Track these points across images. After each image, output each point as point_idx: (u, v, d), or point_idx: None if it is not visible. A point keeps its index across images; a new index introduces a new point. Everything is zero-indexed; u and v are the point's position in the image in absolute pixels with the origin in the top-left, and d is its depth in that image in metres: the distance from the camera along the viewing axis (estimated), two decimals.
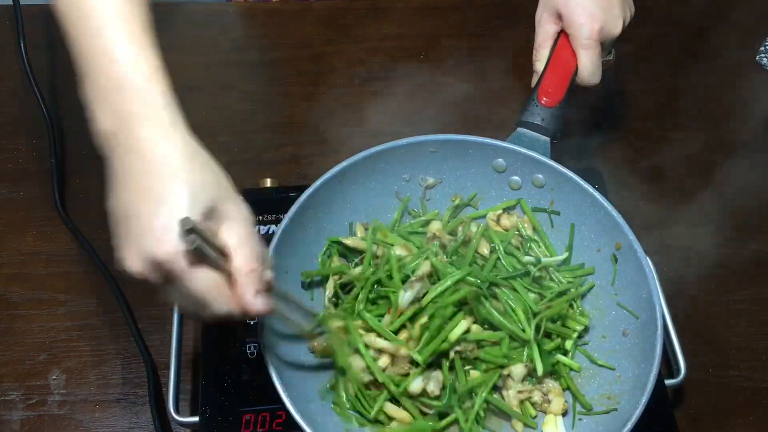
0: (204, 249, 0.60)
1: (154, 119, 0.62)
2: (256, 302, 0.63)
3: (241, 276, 0.62)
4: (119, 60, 0.63)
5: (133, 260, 0.61)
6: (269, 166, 1.05)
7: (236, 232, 0.63)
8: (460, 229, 0.89)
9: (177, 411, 0.81)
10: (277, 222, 0.88)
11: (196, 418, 0.81)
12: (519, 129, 0.92)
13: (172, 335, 0.85)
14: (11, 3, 1.07)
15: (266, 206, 0.95)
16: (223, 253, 0.62)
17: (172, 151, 0.62)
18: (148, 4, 0.68)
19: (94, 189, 1.02)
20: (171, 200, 0.60)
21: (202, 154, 0.64)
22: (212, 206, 0.61)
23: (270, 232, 0.92)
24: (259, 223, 0.94)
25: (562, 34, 0.93)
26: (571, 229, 0.89)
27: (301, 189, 0.84)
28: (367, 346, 0.79)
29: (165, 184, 0.60)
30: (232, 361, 0.84)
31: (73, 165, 1.05)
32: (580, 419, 0.81)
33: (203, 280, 0.61)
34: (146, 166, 0.61)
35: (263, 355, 0.74)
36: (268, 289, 0.66)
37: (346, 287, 0.86)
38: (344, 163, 0.85)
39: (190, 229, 0.58)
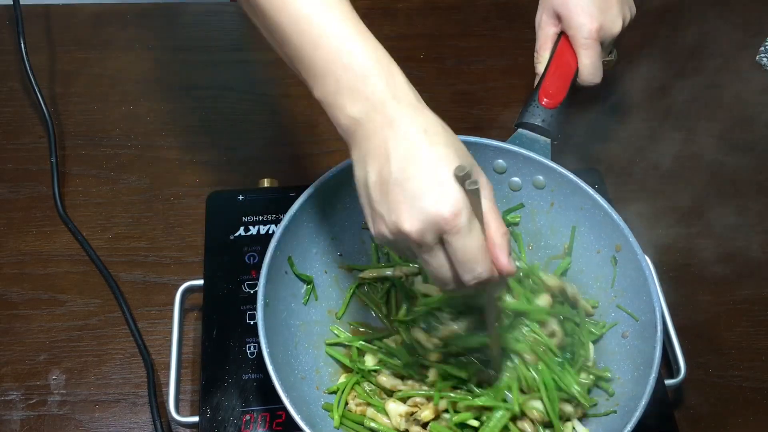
0: (478, 198, 0.62)
1: (403, 99, 0.66)
2: (510, 264, 0.65)
3: (498, 238, 0.64)
4: (356, 55, 0.66)
5: (413, 222, 0.62)
6: (269, 166, 1.05)
7: (487, 198, 0.65)
8: None
9: (177, 411, 0.81)
10: (277, 222, 0.88)
11: (196, 418, 0.81)
12: (519, 130, 0.92)
13: (172, 335, 0.86)
14: (11, 3, 1.07)
15: (266, 206, 0.95)
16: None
17: (428, 124, 0.65)
18: None
19: (94, 189, 1.03)
20: (442, 160, 0.62)
21: (447, 127, 0.67)
22: (470, 170, 0.62)
23: (270, 232, 0.92)
24: (259, 223, 0.94)
25: (563, 36, 0.93)
26: (572, 231, 0.89)
27: (301, 189, 0.84)
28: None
29: (432, 148, 0.63)
30: (232, 361, 0.84)
31: (73, 165, 1.05)
32: (581, 420, 0.81)
33: (475, 241, 0.62)
34: (408, 137, 0.63)
35: (263, 355, 0.74)
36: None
37: None
38: (344, 163, 0.85)
39: (466, 175, 0.60)
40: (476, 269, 0.63)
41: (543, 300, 0.82)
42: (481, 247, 0.63)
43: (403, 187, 0.62)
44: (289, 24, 0.69)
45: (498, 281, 0.65)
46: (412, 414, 0.79)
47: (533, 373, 0.78)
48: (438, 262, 0.64)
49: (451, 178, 0.61)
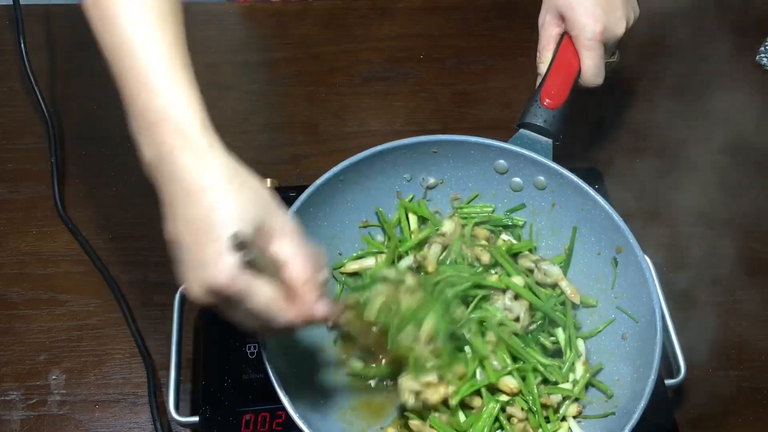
0: (259, 262, 0.61)
1: (192, 148, 0.63)
2: (318, 309, 0.64)
3: (299, 286, 0.64)
4: (158, 94, 0.64)
5: (196, 290, 0.63)
6: (269, 166, 1.05)
7: (287, 244, 0.64)
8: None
9: (177, 411, 0.81)
10: None
11: (196, 418, 0.81)
12: (521, 130, 0.92)
13: (172, 335, 0.86)
14: (11, 3, 1.07)
15: None
16: (276, 267, 0.63)
17: (211, 177, 0.62)
18: (181, 19, 0.69)
19: (94, 189, 1.03)
20: (218, 228, 0.61)
21: (240, 172, 0.64)
22: (259, 224, 0.62)
23: None
24: None
25: (566, 36, 0.93)
26: (573, 232, 0.88)
27: (301, 189, 0.84)
28: None
29: (209, 212, 0.61)
30: (232, 361, 0.84)
31: (73, 165, 1.05)
32: (579, 422, 0.81)
33: (264, 296, 0.62)
34: (190, 196, 0.62)
35: (263, 355, 0.74)
36: (323, 291, 0.66)
37: None
38: (344, 163, 0.85)
39: (240, 244, 0.59)
40: (278, 320, 0.64)
41: (517, 280, 0.84)
42: (274, 300, 0.63)
43: (184, 254, 0.63)
44: (111, 43, 0.67)
45: (324, 318, 0.65)
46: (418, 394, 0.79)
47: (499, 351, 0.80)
48: (240, 317, 0.65)
49: (226, 247, 0.60)
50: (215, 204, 0.62)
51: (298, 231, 0.66)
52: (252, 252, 0.60)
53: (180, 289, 0.88)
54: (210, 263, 0.61)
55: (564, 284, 0.86)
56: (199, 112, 0.65)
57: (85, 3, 0.69)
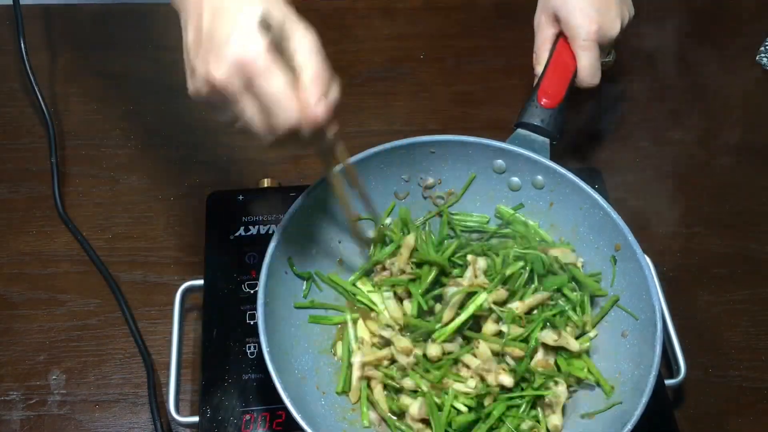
0: (280, 43, 0.63)
1: None
2: (318, 107, 0.65)
3: (308, 83, 0.65)
4: None
5: (220, 68, 0.63)
6: (269, 166, 1.05)
7: (305, 45, 0.66)
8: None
9: (177, 411, 0.81)
10: (277, 222, 0.88)
11: (196, 418, 0.81)
12: (519, 130, 0.92)
13: (172, 335, 0.86)
14: (11, 3, 1.07)
15: (266, 206, 0.95)
16: (291, 66, 0.65)
17: None
18: None
19: (94, 189, 1.03)
20: (247, 7, 0.63)
21: None
22: (283, 22, 0.64)
23: (270, 232, 0.92)
24: (259, 223, 0.94)
25: (561, 36, 0.94)
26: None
27: (301, 189, 0.84)
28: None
29: (241, 2, 0.64)
30: (232, 361, 0.84)
31: (73, 165, 1.05)
32: (581, 419, 0.81)
33: (278, 81, 0.63)
34: None
35: (263, 355, 0.74)
36: (333, 112, 0.68)
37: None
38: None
39: (268, 25, 0.62)
40: (281, 113, 0.64)
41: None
42: (286, 90, 0.64)
43: (212, 37, 0.64)
44: None
45: (312, 129, 0.66)
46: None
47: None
48: (249, 110, 0.66)
49: (255, 25, 0.63)
50: None
51: (318, 42, 0.67)
52: (276, 33, 0.63)
53: (180, 289, 0.89)
54: (240, 36, 0.63)
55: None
56: None
57: None
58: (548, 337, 0.81)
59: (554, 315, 0.83)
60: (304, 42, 0.66)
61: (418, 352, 0.81)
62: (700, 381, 0.92)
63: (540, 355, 0.81)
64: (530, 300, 0.83)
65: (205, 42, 0.65)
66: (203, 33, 0.65)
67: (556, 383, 0.80)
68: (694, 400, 0.91)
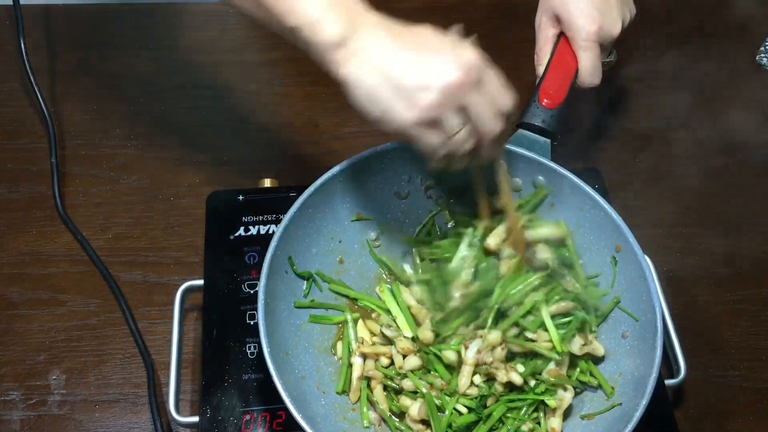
0: None
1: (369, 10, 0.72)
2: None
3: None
4: None
5: (458, 66, 0.69)
6: (269, 166, 1.05)
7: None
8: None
9: (177, 411, 0.81)
10: (277, 222, 0.88)
11: (196, 418, 0.81)
12: (519, 130, 0.92)
13: (172, 335, 0.86)
14: (11, 3, 1.07)
15: (266, 206, 0.95)
16: None
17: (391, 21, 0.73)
18: None
19: (94, 189, 1.03)
20: (437, 32, 0.73)
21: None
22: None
23: (270, 232, 0.92)
24: (259, 223, 0.94)
25: (562, 37, 0.94)
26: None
27: (301, 189, 0.84)
28: None
29: (423, 28, 0.73)
30: (232, 361, 0.84)
31: (73, 165, 1.05)
32: (582, 420, 0.81)
33: (497, 77, 0.73)
34: (395, 26, 0.72)
35: (263, 355, 0.74)
36: None
37: None
38: (344, 163, 0.85)
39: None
40: (508, 96, 0.73)
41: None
42: (503, 82, 0.74)
43: (433, 53, 0.70)
44: None
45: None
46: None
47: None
48: (482, 102, 0.71)
49: (457, 39, 0.71)
50: (419, 26, 0.72)
51: None
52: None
53: (180, 289, 0.89)
54: (449, 57, 0.70)
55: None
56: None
57: None
58: (576, 344, 0.81)
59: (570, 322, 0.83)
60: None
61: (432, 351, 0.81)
62: (700, 381, 0.92)
63: (552, 364, 0.81)
64: (554, 308, 0.83)
65: (424, 56, 0.70)
66: (414, 52, 0.70)
67: (565, 389, 0.80)
68: (694, 400, 0.91)
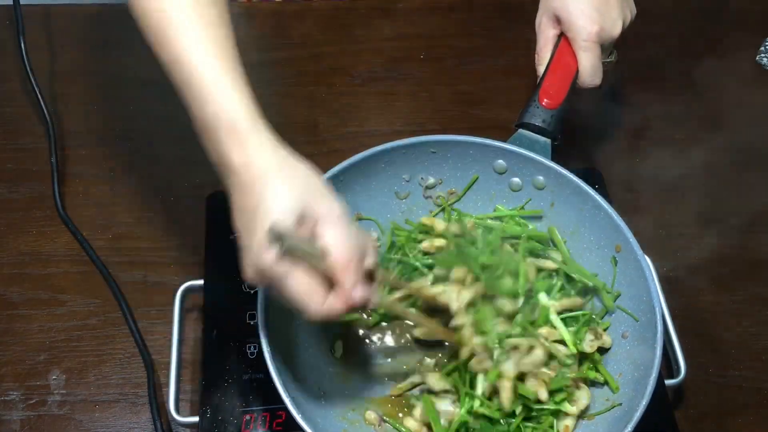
0: (297, 251, 0.64)
1: (243, 146, 0.68)
2: (356, 294, 0.66)
3: (337, 271, 0.65)
4: (208, 102, 0.70)
5: (248, 271, 0.68)
6: None
7: (330, 230, 0.66)
8: None
9: (177, 411, 0.81)
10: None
11: (196, 418, 0.81)
12: (520, 130, 0.92)
13: (172, 335, 0.86)
14: (11, 3, 1.07)
15: None
16: (322, 254, 0.66)
17: (260, 170, 0.67)
18: (227, 19, 0.76)
19: (94, 189, 1.03)
20: (260, 219, 0.65)
21: (289, 162, 0.69)
22: (303, 209, 0.66)
23: None
24: None
25: (563, 37, 0.94)
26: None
27: None
28: None
29: (257, 203, 0.66)
30: (232, 361, 0.84)
31: (73, 165, 1.05)
32: (582, 421, 0.81)
33: (297, 285, 0.66)
34: (244, 188, 0.67)
35: (263, 355, 0.74)
36: (371, 276, 0.69)
37: None
38: (344, 163, 0.85)
39: (277, 235, 0.64)
40: (308, 308, 0.66)
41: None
42: (306, 291, 0.66)
43: (242, 239, 0.68)
44: (165, 59, 0.73)
45: (349, 310, 0.67)
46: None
47: None
48: (286, 293, 0.67)
49: (266, 238, 0.64)
50: (261, 195, 0.66)
51: (344, 216, 0.68)
52: (287, 242, 0.64)
53: (180, 289, 0.89)
54: (256, 250, 0.66)
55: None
56: (246, 110, 0.69)
57: (136, 14, 0.77)
58: (587, 342, 0.82)
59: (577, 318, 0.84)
60: (330, 226, 0.66)
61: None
62: (700, 381, 0.92)
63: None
64: (564, 302, 0.83)
65: (240, 238, 0.69)
66: (236, 225, 0.69)
67: (579, 387, 0.80)
68: (694, 400, 0.91)
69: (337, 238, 0.66)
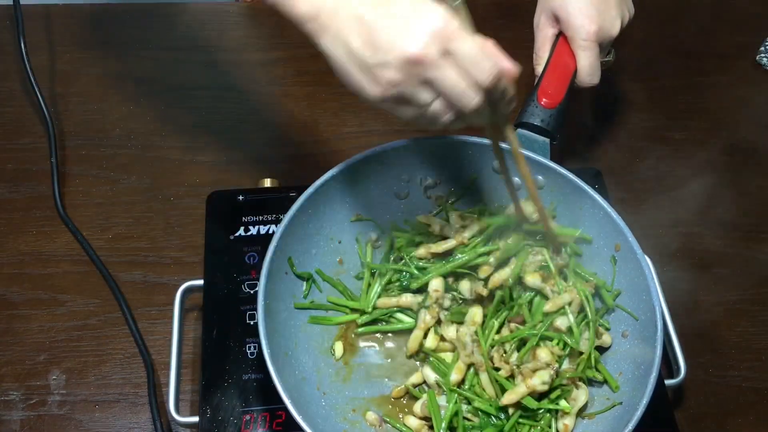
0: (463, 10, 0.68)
1: None
2: (509, 62, 0.67)
3: (489, 46, 0.67)
4: None
5: (415, 42, 0.64)
6: (269, 166, 1.05)
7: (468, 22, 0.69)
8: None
9: (177, 411, 0.81)
10: (277, 222, 0.88)
11: (196, 418, 0.81)
12: (519, 130, 0.92)
13: (172, 335, 0.86)
14: (11, 3, 1.07)
15: (266, 206, 0.95)
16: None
17: None
18: None
19: (94, 189, 1.03)
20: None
21: None
22: None
23: (270, 232, 0.92)
24: (259, 223, 0.94)
25: (561, 36, 0.94)
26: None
27: (301, 189, 0.84)
28: None
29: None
30: (232, 361, 0.84)
31: (73, 165, 1.05)
32: (582, 420, 0.81)
33: (473, 40, 0.66)
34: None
35: (264, 356, 0.74)
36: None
37: None
38: (344, 163, 0.85)
39: None
40: (487, 65, 0.66)
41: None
42: (484, 45, 0.66)
43: (393, 22, 0.65)
44: None
45: (509, 83, 0.68)
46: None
47: None
48: (451, 75, 0.66)
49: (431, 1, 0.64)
50: None
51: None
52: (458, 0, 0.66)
53: (180, 289, 0.89)
54: (424, 12, 0.64)
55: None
56: None
57: None
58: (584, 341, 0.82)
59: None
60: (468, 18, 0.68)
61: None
62: (700, 381, 0.92)
63: (566, 363, 0.81)
64: (560, 299, 0.83)
65: (385, 30, 0.65)
66: (377, 25, 0.65)
67: (578, 387, 0.80)
68: (694, 400, 0.91)
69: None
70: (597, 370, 0.82)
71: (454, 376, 0.80)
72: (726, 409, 0.91)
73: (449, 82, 0.66)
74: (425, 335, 0.85)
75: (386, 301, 0.86)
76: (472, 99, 0.67)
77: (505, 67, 0.67)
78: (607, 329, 0.85)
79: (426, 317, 0.84)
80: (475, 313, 0.83)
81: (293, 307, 0.84)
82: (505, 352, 0.81)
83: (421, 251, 0.86)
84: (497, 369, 0.80)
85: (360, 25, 0.66)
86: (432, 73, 0.66)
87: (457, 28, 0.65)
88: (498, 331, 0.83)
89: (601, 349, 0.84)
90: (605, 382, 0.81)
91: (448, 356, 0.84)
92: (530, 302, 0.84)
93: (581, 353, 0.81)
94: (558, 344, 0.81)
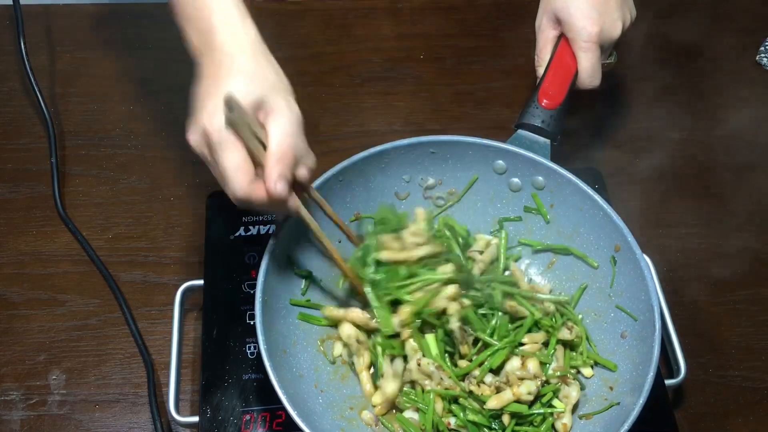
0: (242, 126, 0.68)
1: (231, 29, 0.73)
2: (277, 187, 0.69)
3: (270, 159, 0.69)
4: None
5: (193, 133, 0.71)
6: None
7: (279, 125, 0.70)
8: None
9: (177, 411, 0.81)
10: (277, 222, 0.88)
11: (196, 418, 0.81)
12: (519, 131, 0.92)
13: (172, 335, 0.86)
14: (11, 3, 1.07)
15: None
16: (264, 145, 0.69)
17: (239, 51, 0.72)
18: None
19: (94, 189, 1.03)
20: (225, 86, 0.70)
21: (267, 56, 0.74)
22: (262, 98, 0.70)
23: (270, 232, 0.92)
24: (259, 223, 0.94)
25: (563, 38, 0.94)
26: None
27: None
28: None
29: (226, 75, 0.71)
30: (232, 361, 0.84)
31: (73, 165, 1.05)
32: (579, 420, 0.81)
33: (231, 158, 0.69)
34: (217, 65, 0.72)
35: (261, 353, 0.74)
36: (301, 186, 0.74)
37: None
38: (344, 163, 0.85)
39: (232, 105, 0.67)
40: (228, 187, 0.70)
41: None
42: (236, 167, 0.69)
43: (196, 105, 0.72)
44: None
45: (266, 204, 0.70)
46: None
47: None
48: (215, 172, 0.72)
49: (221, 103, 0.68)
50: (230, 69, 0.71)
51: (296, 122, 0.72)
52: (238, 114, 0.67)
53: (180, 289, 0.89)
54: (209, 110, 0.69)
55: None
56: (242, 9, 0.75)
57: None
58: (565, 333, 0.83)
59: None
60: (280, 121, 0.70)
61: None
62: (700, 381, 0.92)
63: (555, 363, 0.82)
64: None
65: (195, 105, 0.72)
66: (196, 94, 0.72)
67: (569, 384, 0.80)
68: (694, 400, 0.91)
69: (281, 134, 0.70)
70: (588, 357, 0.83)
71: (438, 406, 0.80)
72: (726, 409, 0.91)
73: (214, 173, 0.72)
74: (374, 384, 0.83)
75: (335, 312, 0.84)
76: (232, 195, 0.71)
77: (256, 197, 0.70)
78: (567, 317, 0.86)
79: (360, 360, 0.83)
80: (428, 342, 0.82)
81: (291, 306, 0.84)
82: (479, 381, 0.81)
83: (386, 255, 0.85)
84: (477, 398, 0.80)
85: (201, 79, 0.73)
86: (206, 159, 0.72)
87: (218, 140, 0.69)
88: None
89: (600, 348, 0.85)
90: (594, 365, 0.83)
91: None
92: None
93: (566, 347, 0.82)
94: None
